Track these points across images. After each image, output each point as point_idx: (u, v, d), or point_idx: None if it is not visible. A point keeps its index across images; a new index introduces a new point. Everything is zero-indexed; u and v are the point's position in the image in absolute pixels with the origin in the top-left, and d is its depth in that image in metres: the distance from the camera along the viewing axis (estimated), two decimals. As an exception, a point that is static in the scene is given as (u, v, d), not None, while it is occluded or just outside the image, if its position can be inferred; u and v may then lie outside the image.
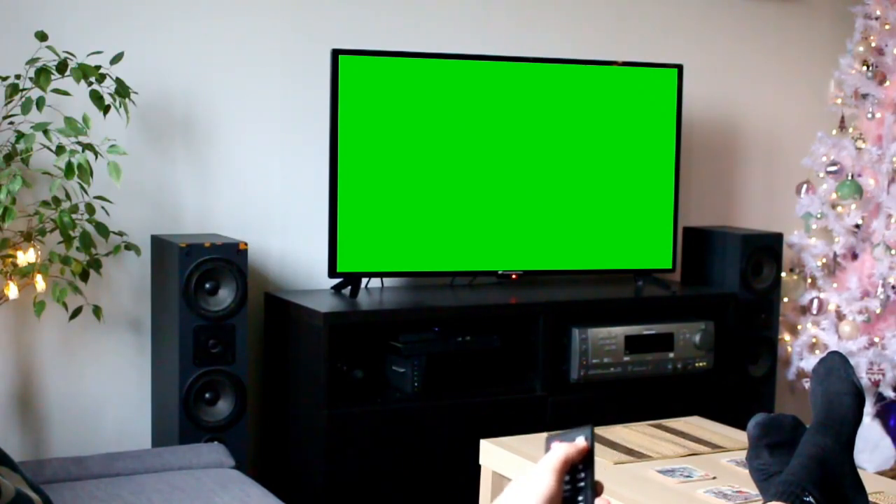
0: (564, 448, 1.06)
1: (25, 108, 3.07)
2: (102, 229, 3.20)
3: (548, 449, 1.08)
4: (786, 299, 4.32)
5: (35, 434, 3.44)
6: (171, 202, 3.56)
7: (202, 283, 3.24)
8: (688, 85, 4.07)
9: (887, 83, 4.24)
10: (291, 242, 3.73)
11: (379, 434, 3.36)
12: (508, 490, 1.06)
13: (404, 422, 3.40)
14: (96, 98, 3.11)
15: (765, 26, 4.52)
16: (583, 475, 1.07)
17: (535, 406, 3.57)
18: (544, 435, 2.83)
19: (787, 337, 4.33)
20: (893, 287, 4.15)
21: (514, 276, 3.79)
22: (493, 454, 2.78)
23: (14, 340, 3.39)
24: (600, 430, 2.89)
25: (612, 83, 3.85)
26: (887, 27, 4.23)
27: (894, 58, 4.22)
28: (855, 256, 4.29)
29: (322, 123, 3.59)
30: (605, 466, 2.60)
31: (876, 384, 4.20)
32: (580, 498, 1.06)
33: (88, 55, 3.16)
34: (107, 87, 3.14)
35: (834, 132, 4.34)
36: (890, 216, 4.18)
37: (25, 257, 3.12)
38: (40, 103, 3.08)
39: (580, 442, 1.08)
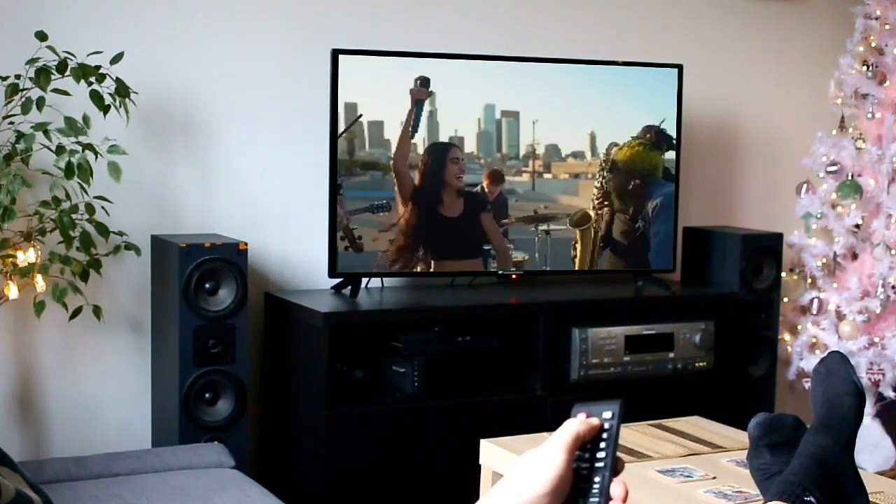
0: (575, 425, 1.04)
1: (25, 108, 3.07)
2: (102, 229, 3.20)
3: (574, 417, 1.05)
4: (786, 299, 4.32)
5: (35, 434, 3.44)
6: (171, 202, 3.56)
7: (202, 283, 3.24)
8: (688, 85, 4.07)
9: (887, 83, 4.24)
10: (291, 242, 3.73)
11: (379, 434, 3.36)
12: (518, 466, 1.04)
13: (404, 422, 3.40)
14: (96, 98, 3.11)
15: (765, 26, 4.52)
16: (602, 454, 1.03)
17: (535, 406, 3.56)
18: (544, 434, 2.83)
19: (787, 337, 4.33)
20: (893, 287, 4.14)
21: (514, 276, 3.78)
22: (493, 454, 2.78)
23: (14, 340, 3.39)
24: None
25: (613, 83, 3.85)
26: (887, 27, 4.23)
27: (894, 58, 4.22)
28: (855, 256, 4.29)
29: (322, 123, 3.59)
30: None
31: (876, 384, 4.20)
32: (596, 478, 1.02)
33: (88, 55, 3.16)
34: (107, 87, 3.14)
35: (834, 132, 4.33)
36: (890, 216, 4.18)
37: (25, 257, 3.12)
38: (40, 103, 3.08)
39: (593, 420, 1.04)
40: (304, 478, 3.43)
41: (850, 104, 4.34)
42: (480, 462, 2.84)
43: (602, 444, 1.03)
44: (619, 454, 1.04)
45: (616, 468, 1.03)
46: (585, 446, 1.04)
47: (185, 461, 2.91)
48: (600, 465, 1.02)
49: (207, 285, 3.25)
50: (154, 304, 3.46)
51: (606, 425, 1.04)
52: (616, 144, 3.86)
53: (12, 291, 3.09)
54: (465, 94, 3.69)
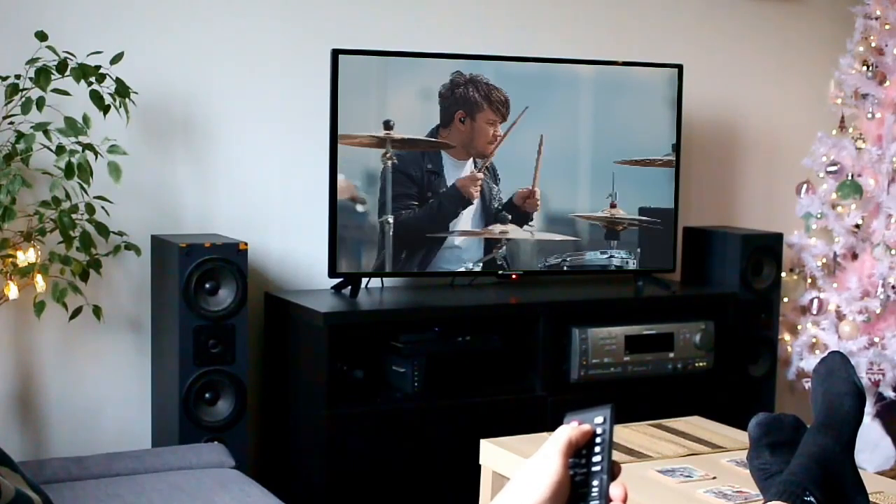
0: (567, 431, 1.05)
1: (25, 108, 3.07)
2: (102, 229, 3.20)
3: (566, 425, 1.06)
4: (786, 299, 4.32)
5: (35, 434, 3.44)
6: (171, 202, 3.56)
7: (202, 283, 3.24)
8: (688, 85, 4.07)
9: (887, 83, 4.24)
10: (291, 242, 3.73)
11: (379, 434, 3.36)
12: (515, 478, 1.05)
13: (404, 422, 3.40)
14: (96, 98, 3.11)
15: (765, 26, 4.52)
16: (598, 458, 1.04)
17: (535, 406, 3.56)
18: (544, 434, 2.83)
19: (787, 337, 4.33)
20: (893, 287, 4.14)
21: (514, 277, 3.78)
22: (493, 454, 2.78)
23: (14, 340, 3.39)
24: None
25: (613, 83, 3.85)
26: (887, 27, 4.23)
27: (894, 58, 4.22)
28: (855, 256, 4.28)
29: (322, 123, 3.59)
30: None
31: (876, 384, 4.20)
32: (594, 482, 1.03)
33: (88, 55, 3.16)
34: (107, 87, 3.14)
35: (834, 132, 4.33)
36: (890, 216, 4.17)
37: (25, 257, 3.12)
38: (40, 103, 3.08)
39: (584, 426, 1.05)
40: (304, 478, 3.43)
41: (850, 104, 4.34)
42: (480, 462, 2.84)
43: (597, 449, 1.05)
44: (614, 458, 1.05)
45: (613, 471, 1.04)
46: (581, 452, 1.05)
47: (185, 461, 2.91)
48: (597, 468, 1.04)
49: (207, 285, 3.25)
50: (154, 304, 3.46)
51: (599, 430, 1.05)
52: (615, 145, 3.86)
53: (12, 291, 3.09)
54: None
